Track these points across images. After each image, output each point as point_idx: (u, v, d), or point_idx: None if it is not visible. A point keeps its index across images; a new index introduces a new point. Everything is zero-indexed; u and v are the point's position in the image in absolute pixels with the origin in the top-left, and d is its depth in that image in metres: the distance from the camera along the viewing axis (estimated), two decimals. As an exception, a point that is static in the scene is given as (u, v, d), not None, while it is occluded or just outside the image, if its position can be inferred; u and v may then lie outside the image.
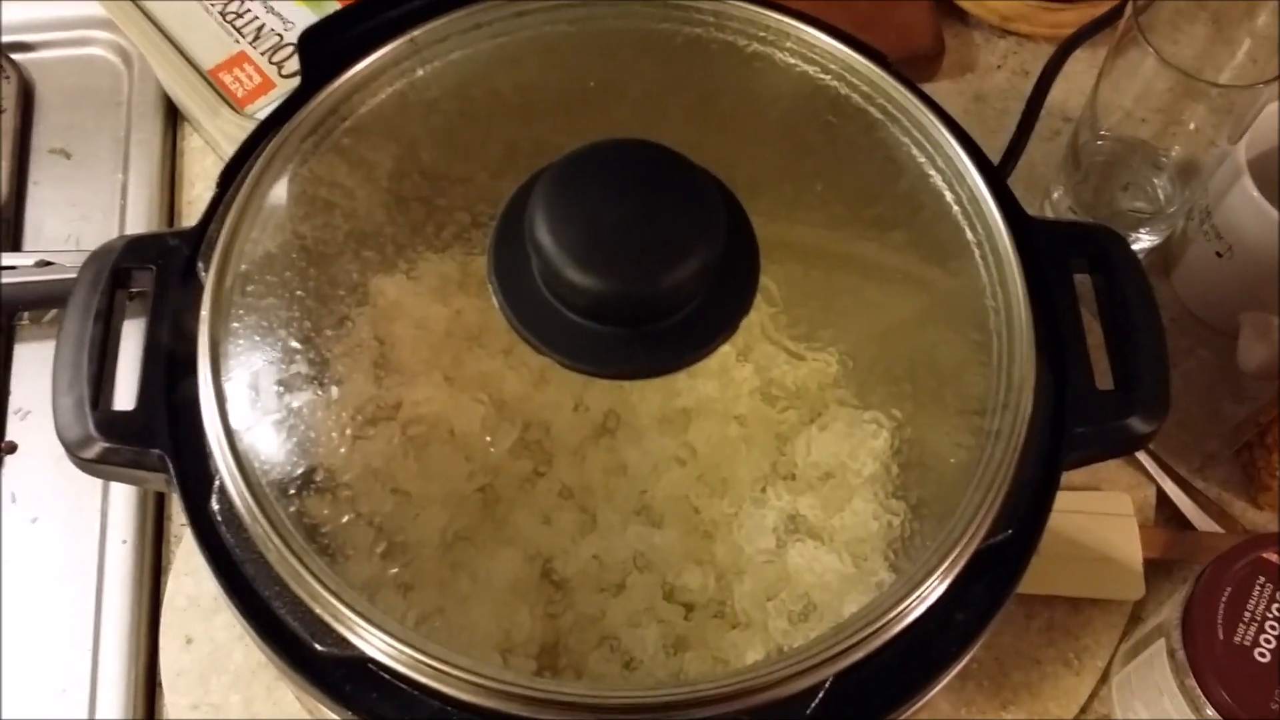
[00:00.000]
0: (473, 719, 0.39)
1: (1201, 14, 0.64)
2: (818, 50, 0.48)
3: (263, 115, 0.66)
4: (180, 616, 0.62)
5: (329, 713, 0.41)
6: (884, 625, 0.39)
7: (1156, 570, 0.63)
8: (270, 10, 0.71)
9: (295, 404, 0.42)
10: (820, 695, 0.38)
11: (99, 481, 0.65)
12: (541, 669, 0.40)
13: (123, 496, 0.64)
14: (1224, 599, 0.52)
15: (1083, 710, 0.61)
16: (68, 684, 0.61)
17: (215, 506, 0.41)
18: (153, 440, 0.42)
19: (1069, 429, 0.43)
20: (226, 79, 0.69)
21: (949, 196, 0.46)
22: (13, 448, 0.66)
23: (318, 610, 0.39)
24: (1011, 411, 0.42)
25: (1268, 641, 0.51)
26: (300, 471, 0.41)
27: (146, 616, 0.62)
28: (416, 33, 0.48)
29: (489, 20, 0.48)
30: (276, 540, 0.39)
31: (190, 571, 0.62)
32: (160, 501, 0.65)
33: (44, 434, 0.66)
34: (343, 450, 0.42)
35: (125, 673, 0.61)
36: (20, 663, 0.61)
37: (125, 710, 0.60)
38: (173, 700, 0.60)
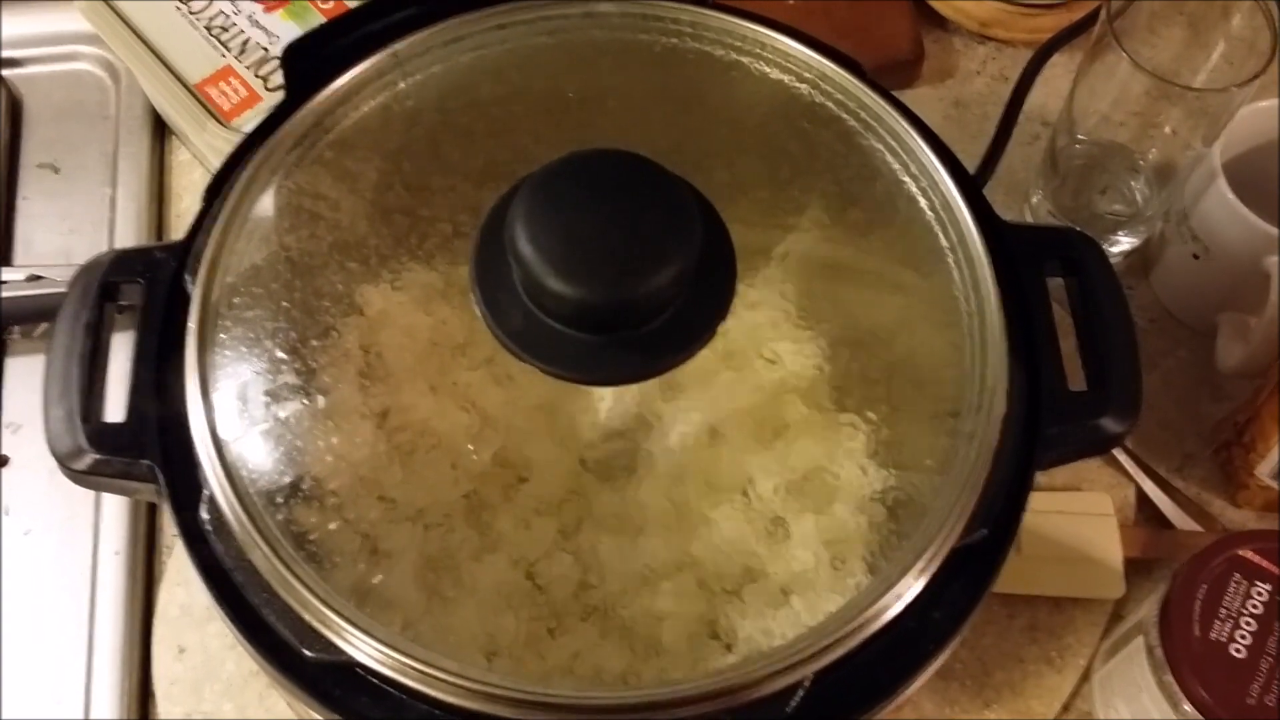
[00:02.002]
0: (459, 721, 0.40)
1: (1177, 17, 0.65)
2: (793, 59, 0.49)
3: (249, 128, 0.67)
4: (173, 626, 0.62)
5: (320, 719, 0.41)
6: (862, 624, 0.39)
7: (1137, 569, 0.64)
8: (255, 24, 0.71)
9: (282, 414, 0.43)
10: (800, 693, 0.39)
11: (91, 494, 0.65)
12: (527, 671, 0.41)
13: (115, 508, 0.65)
14: (1200, 596, 0.53)
15: (1065, 708, 0.62)
16: (62, 694, 0.61)
17: (205, 516, 0.41)
18: (143, 451, 0.43)
19: (1042, 430, 0.44)
20: (213, 93, 0.69)
21: (923, 202, 0.47)
22: (5, 461, 0.67)
23: (306, 617, 0.40)
24: (985, 413, 0.42)
25: (1243, 637, 0.52)
26: (288, 480, 0.42)
27: (139, 626, 0.63)
28: (399, 46, 0.48)
29: (469, 33, 0.49)
30: (265, 548, 0.40)
31: (182, 581, 0.63)
32: (152, 512, 0.66)
33: (36, 447, 0.66)
34: (329, 459, 0.42)
35: (119, 682, 0.61)
36: (15, 673, 0.62)
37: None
38: (166, 709, 0.61)
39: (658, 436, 0.43)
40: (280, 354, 0.43)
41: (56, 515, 0.65)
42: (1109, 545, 0.64)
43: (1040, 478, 0.44)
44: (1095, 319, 0.46)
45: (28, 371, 0.69)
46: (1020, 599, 0.63)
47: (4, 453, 0.67)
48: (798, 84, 0.49)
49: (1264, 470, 0.63)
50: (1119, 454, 0.66)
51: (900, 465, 0.43)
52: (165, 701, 0.61)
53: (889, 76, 0.69)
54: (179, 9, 0.72)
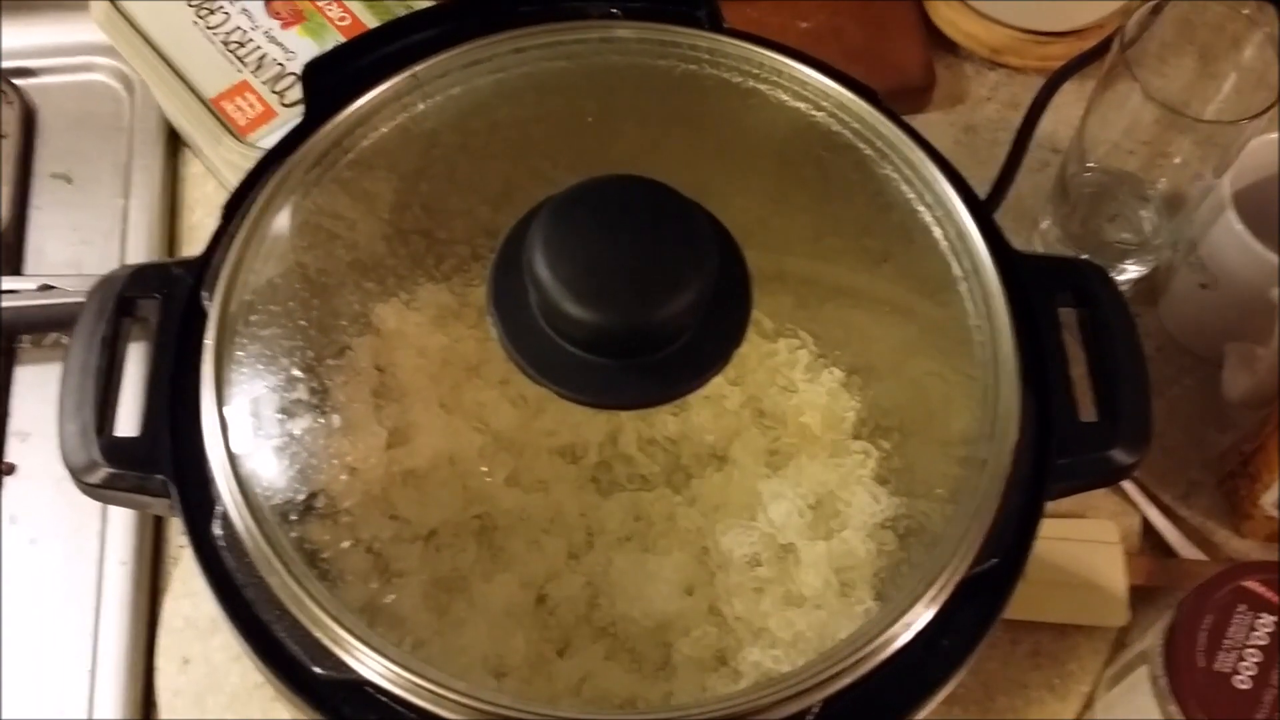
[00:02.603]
0: (468, 742, 0.40)
1: (1188, 48, 0.66)
2: (810, 87, 0.49)
3: (265, 143, 0.68)
4: (177, 638, 0.62)
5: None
6: (871, 651, 0.40)
7: (1141, 597, 0.64)
8: (272, 40, 0.72)
9: (297, 431, 0.43)
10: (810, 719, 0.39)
11: (98, 504, 0.65)
12: (535, 692, 0.41)
13: (121, 519, 0.65)
14: (1205, 627, 0.53)
15: (1068, 735, 0.62)
16: (65, 704, 0.61)
17: (217, 531, 0.41)
18: (156, 466, 0.43)
19: (1053, 460, 0.44)
20: (228, 108, 0.69)
21: (937, 231, 0.47)
22: (12, 469, 0.67)
23: (317, 634, 0.40)
24: (996, 443, 0.43)
25: (1248, 669, 0.52)
26: (301, 498, 0.42)
27: (144, 637, 0.63)
28: (418, 68, 0.48)
29: (489, 56, 0.49)
30: (278, 565, 0.40)
31: (188, 593, 0.63)
32: (159, 524, 0.66)
33: (44, 456, 0.67)
34: (343, 477, 0.43)
35: (122, 693, 0.61)
36: (19, 683, 0.62)
37: (122, 730, 0.60)
38: (169, 720, 0.61)
39: (670, 461, 0.43)
40: (296, 371, 0.44)
41: (63, 525, 0.65)
42: (1113, 572, 0.64)
43: (1046, 505, 0.44)
44: (1106, 350, 0.46)
45: (37, 380, 0.69)
46: (1024, 625, 0.63)
47: (12, 461, 0.67)
48: (814, 111, 0.49)
49: (1269, 501, 0.64)
50: (1124, 482, 0.67)
51: (911, 493, 0.43)
52: (168, 712, 0.61)
53: (900, 102, 0.69)
54: (195, 23, 0.72)
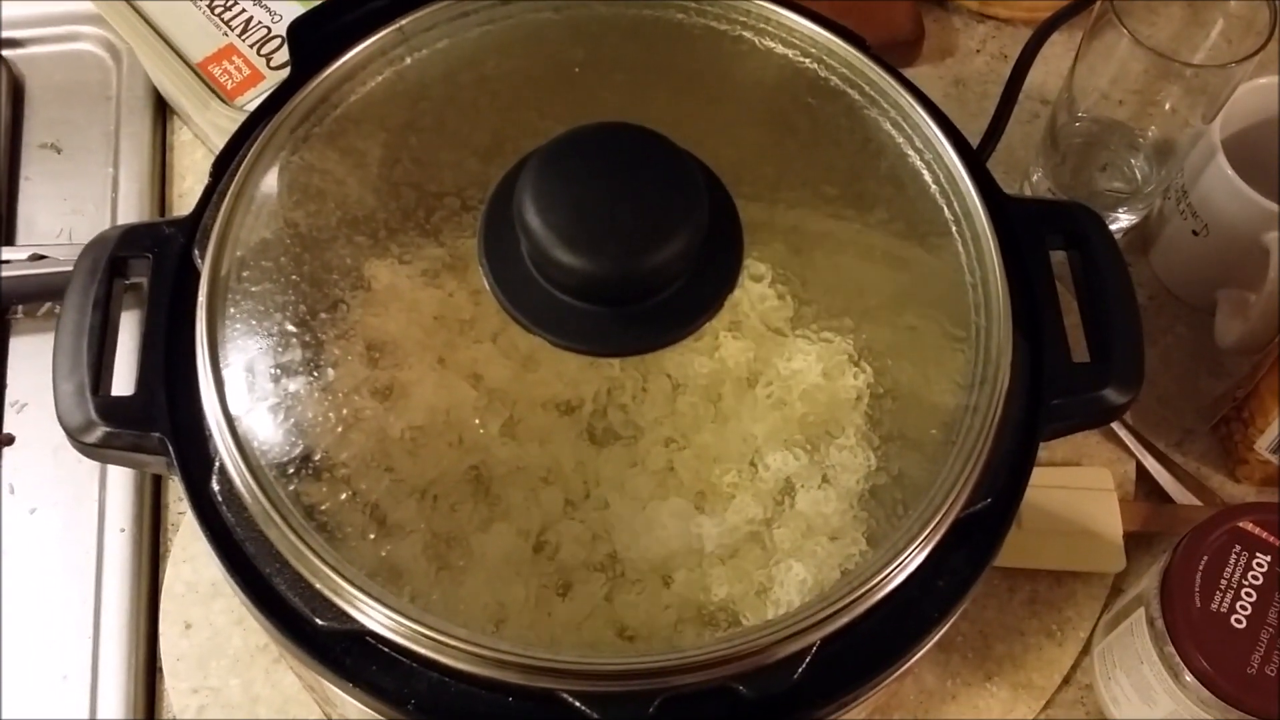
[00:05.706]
0: (470, 689, 0.40)
1: (1177, -6, 0.66)
2: (798, 34, 0.49)
3: (252, 107, 0.67)
4: (179, 602, 0.62)
5: (331, 687, 0.42)
6: (868, 591, 0.40)
7: (1137, 543, 0.64)
8: (258, 3, 0.71)
9: (291, 387, 0.43)
10: (808, 659, 0.39)
11: (97, 471, 0.65)
12: (536, 638, 0.41)
13: (120, 485, 0.65)
14: (1201, 568, 0.53)
15: (1065, 680, 0.62)
16: (69, 671, 0.62)
17: (216, 487, 0.42)
18: (153, 424, 0.43)
19: (1046, 401, 0.44)
20: (215, 71, 0.69)
21: (927, 176, 0.47)
22: (10, 440, 0.67)
23: (318, 586, 0.40)
24: (989, 385, 0.43)
25: (1243, 608, 0.52)
26: (298, 452, 0.42)
27: (146, 603, 0.63)
28: (404, 21, 0.48)
29: (475, 8, 0.49)
30: (277, 519, 0.40)
31: (188, 558, 0.63)
32: (158, 489, 0.66)
33: (41, 426, 0.67)
34: (338, 431, 0.43)
35: (126, 659, 0.62)
36: (22, 651, 0.62)
37: (126, 695, 0.61)
38: (173, 685, 0.61)
39: (665, 408, 0.43)
40: (289, 327, 0.44)
41: (62, 493, 0.66)
42: (1109, 519, 0.64)
43: (1041, 452, 0.45)
44: (1098, 291, 0.47)
45: (32, 350, 0.69)
46: (1021, 573, 0.64)
47: (9, 431, 0.67)
48: (803, 59, 0.49)
49: (1263, 445, 0.64)
50: (1119, 429, 0.67)
51: (905, 435, 0.43)
52: (172, 677, 0.61)
53: (890, 55, 0.69)
54: (181, -12, 0.72)
